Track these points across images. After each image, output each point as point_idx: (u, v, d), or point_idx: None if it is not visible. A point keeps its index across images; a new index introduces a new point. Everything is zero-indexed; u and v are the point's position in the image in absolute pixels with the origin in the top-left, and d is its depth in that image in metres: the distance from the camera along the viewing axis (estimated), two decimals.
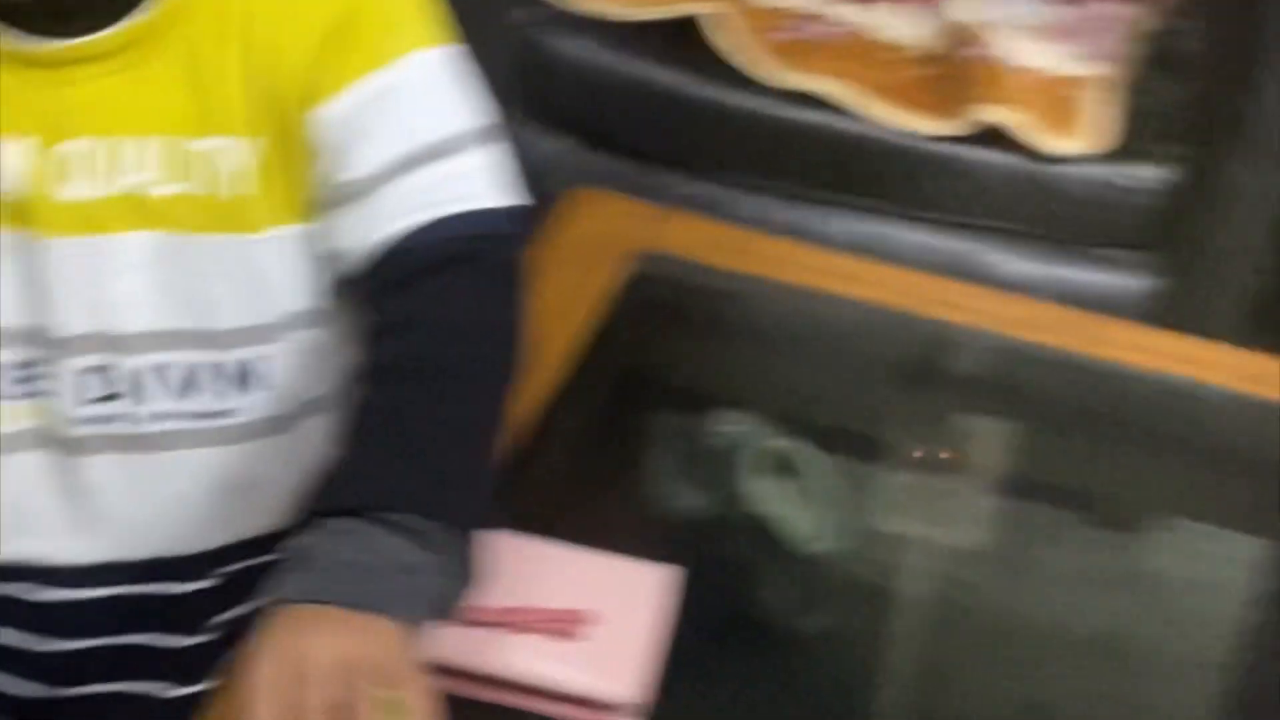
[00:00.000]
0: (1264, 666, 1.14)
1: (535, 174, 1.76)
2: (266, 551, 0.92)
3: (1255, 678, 1.13)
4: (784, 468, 1.18)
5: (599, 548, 0.92)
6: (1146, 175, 1.65)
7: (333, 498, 0.78)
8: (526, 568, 0.88)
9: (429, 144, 0.87)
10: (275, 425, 0.92)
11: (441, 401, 0.82)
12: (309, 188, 0.87)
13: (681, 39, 1.74)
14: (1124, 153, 1.67)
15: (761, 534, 1.12)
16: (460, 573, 0.78)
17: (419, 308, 0.85)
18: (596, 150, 1.79)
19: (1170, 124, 1.69)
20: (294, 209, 0.87)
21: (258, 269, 0.87)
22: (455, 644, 0.82)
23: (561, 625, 0.84)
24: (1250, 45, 1.60)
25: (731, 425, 1.23)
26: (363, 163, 0.86)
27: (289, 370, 0.91)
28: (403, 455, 0.79)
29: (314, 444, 0.92)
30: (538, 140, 1.80)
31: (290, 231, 0.87)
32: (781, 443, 1.18)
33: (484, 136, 0.90)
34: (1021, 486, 1.25)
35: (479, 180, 0.89)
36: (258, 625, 0.74)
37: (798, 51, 1.74)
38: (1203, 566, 1.23)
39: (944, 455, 1.27)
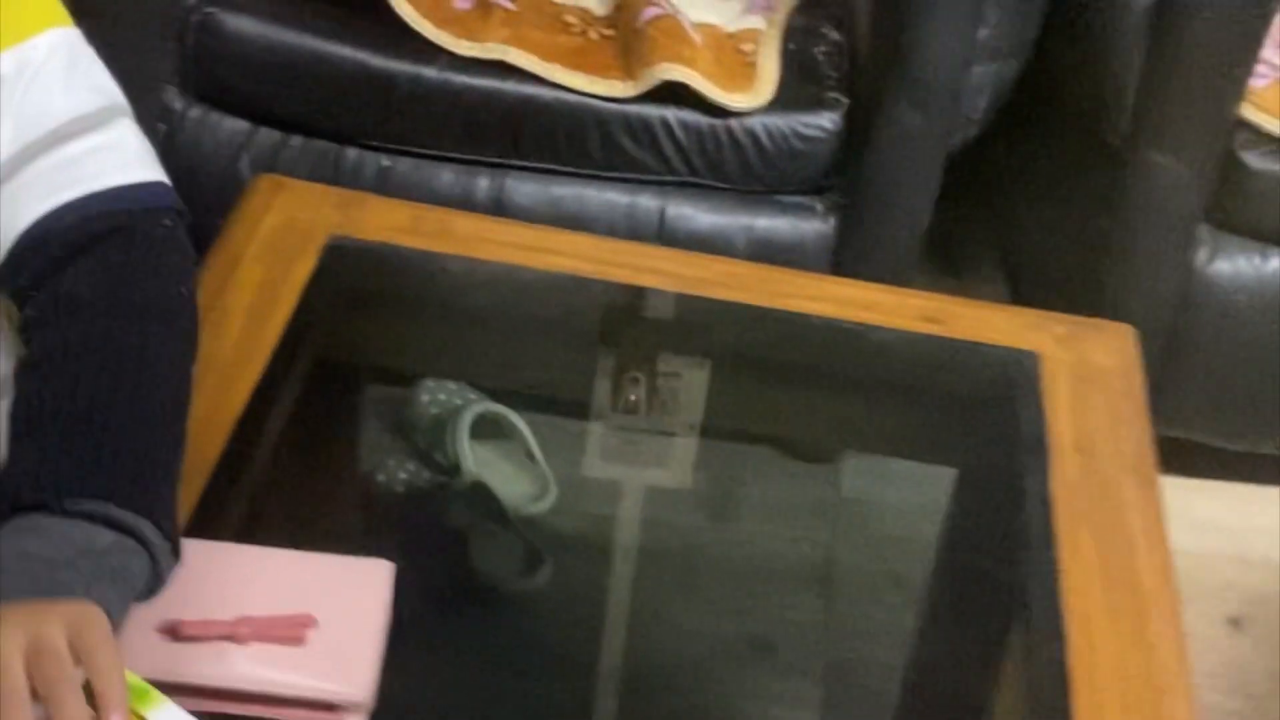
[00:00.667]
0: (953, 576, 1.22)
1: (220, 156, 1.75)
2: None
3: (947, 587, 1.22)
4: (497, 432, 1.20)
5: (323, 542, 0.92)
6: (817, 121, 1.72)
7: (9, 496, 0.76)
8: (247, 576, 0.88)
9: (57, 126, 0.85)
10: None
11: (103, 380, 0.80)
12: None
13: (359, 12, 1.72)
14: (795, 101, 1.73)
15: (483, 499, 1.15)
16: (155, 549, 0.78)
17: (67, 291, 0.83)
18: (283, 131, 1.76)
19: (837, 70, 1.76)
20: None
21: None
22: (187, 660, 0.83)
23: (288, 631, 0.84)
24: None
25: (442, 395, 1.24)
26: (11, 141, 0.83)
27: None
28: (72, 441, 0.78)
29: None
30: (219, 123, 1.77)
31: None
32: (493, 407, 1.21)
33: (113, 115, 0.89)
34: (721, 432, 1.31)
35: (111, 158, 0.88)
36: None
37: (478, 19, 1.74)
38: (891, 492, 1.30)
39: (648, 408, 1.31)
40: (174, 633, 0.84)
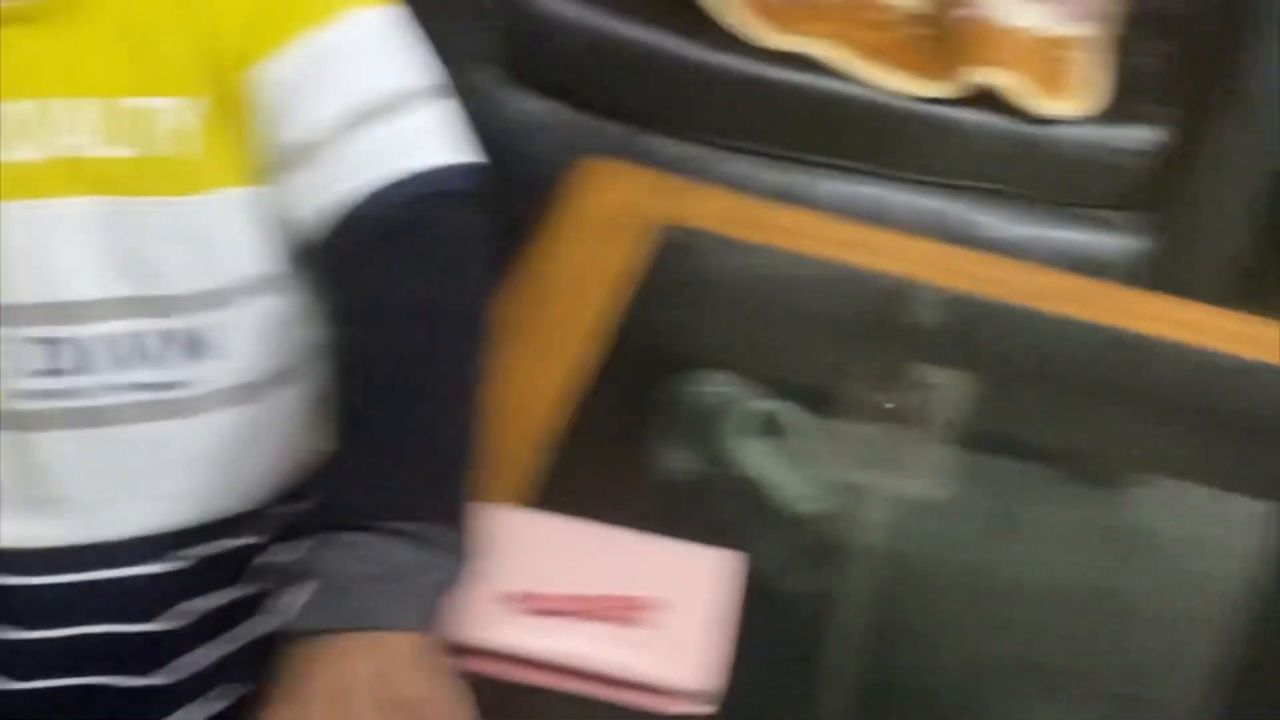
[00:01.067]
0: (1251, 620, 1.16)
1: (522, 135, 1.77)
2: (235, 534, 0.91)
3: (1243, 631, 1.16)
4: (775, 430, 1.19)
5: (614, 521, 0.92)
6: (1136, 136, 1.66)
7: (329, 511, 0.78)
8: (593, 553, 0.88)
9: (374, 102, 0.85)
10: (237, 397, 0.88)
11: (417, 395, 0.81)
12: (255, 148, 0.85)
13: (673, 0, 1.73)
14: (1114, 114, 1.67)
15: (754, 495, 1.13)
16: (459, 563, 0.78)
17: (382, 287, 0.84)
18: (584, 112, 1.77)
19: (1159, 84, 1.70)
20: (240, 170, 0.85)
21: (205, 232, 0.85)
22: (533, 632, 0.83)
23: (628, 612, 0.84)
24: (1234, 4, 1.61)
25: (718, 387, 1.24)
26: (307, 124, 0.84)
27: (247, 339, 0.87)
28: (390, 460, 0.79)
29: (283, 419, 0.91)
30: (524, 102, 1.79)
31: (237, 194, 0.85)
32: (770, 403, 1.19)
33: (430, 94, 0.89)
34: (1011, 445, 1.27)
35: (429, 137, 0.88)
36: (281, 658, 0.74)
37: (789, 12, 1.73)
38: (1190, 523, 1.24)
39: (936, 417, 1.28)
40: (521, 603, 0.84)
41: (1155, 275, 1.68)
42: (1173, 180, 1.66)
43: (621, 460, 1.20)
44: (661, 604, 0.85)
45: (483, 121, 1.78)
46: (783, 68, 1.70)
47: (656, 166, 1.70)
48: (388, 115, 0.85)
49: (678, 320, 1.27)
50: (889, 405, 1.31)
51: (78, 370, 0.84)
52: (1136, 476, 1.30)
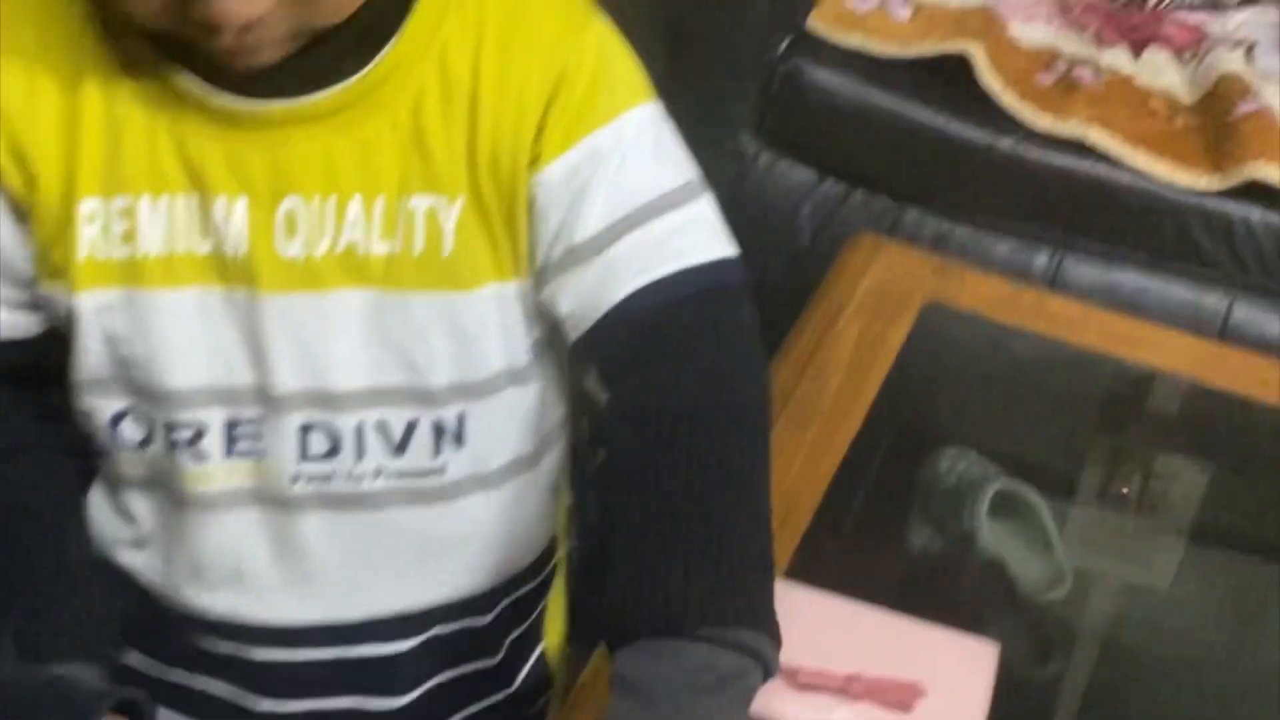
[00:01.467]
0: None
1: (787, 204, 1.79)
2: (475, 612, 0.95)
3: None
4: (1016, 512, 1.18)
5: (883, 601, 0.93)
6: None
7: (630, 621, 0.77)
8: (860, 633, 0.90)
9: (648, 202, 0.85)
10: (483, 483, 0.91)
11: (710, 499, 0.80)
12: (524, 246, 0.86)
13: (940, 76, 1.74)
14: None
15: (999, 576, 1.13)
16: (770, 662, 0.78)
17: (647, 397, 0.83)
18: (850, 185, 1.80)
19: None
20: (506, 266, 0.86)
21: (469, 326, 0.86)
22: (799, 707, 0.85)
23: (898, 697, 0.85)
24: None
25: (961, 464, 1.23)
26: (586, 224, 0.85)
27: (497, 428, 0.90)
28: (682, 562, 0.77)
29: (522, 502, 0.94)
30: (791, 171, 1.81)
31: (502, 289, 0.87)
32: (1015, 485, 1.18)
33: (692, 190, 0.88)
34: (1248, 543, 1.24)
35: (698, 234, 0.86)
36: None
37: (1062, 95, 1.73)
38: None
39: (1180, 511, 1.26)
40: (790, 678, 0.86)
41: None
42: None
43: (873, 536, 1.21)
44: (925, 689, 0.86)
45: (749, 188, 1.83)
46: (1052, 150, 1.70)
47: (921, 243, 1.72)
48: (654, 217, 0.85)
49: (934, 399, 1.28)
50: (1127, 492, 1.29)
51: (342, 456, 0.87)
52: None
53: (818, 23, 1.79)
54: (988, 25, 1.77)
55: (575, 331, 0.86)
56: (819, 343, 1.19)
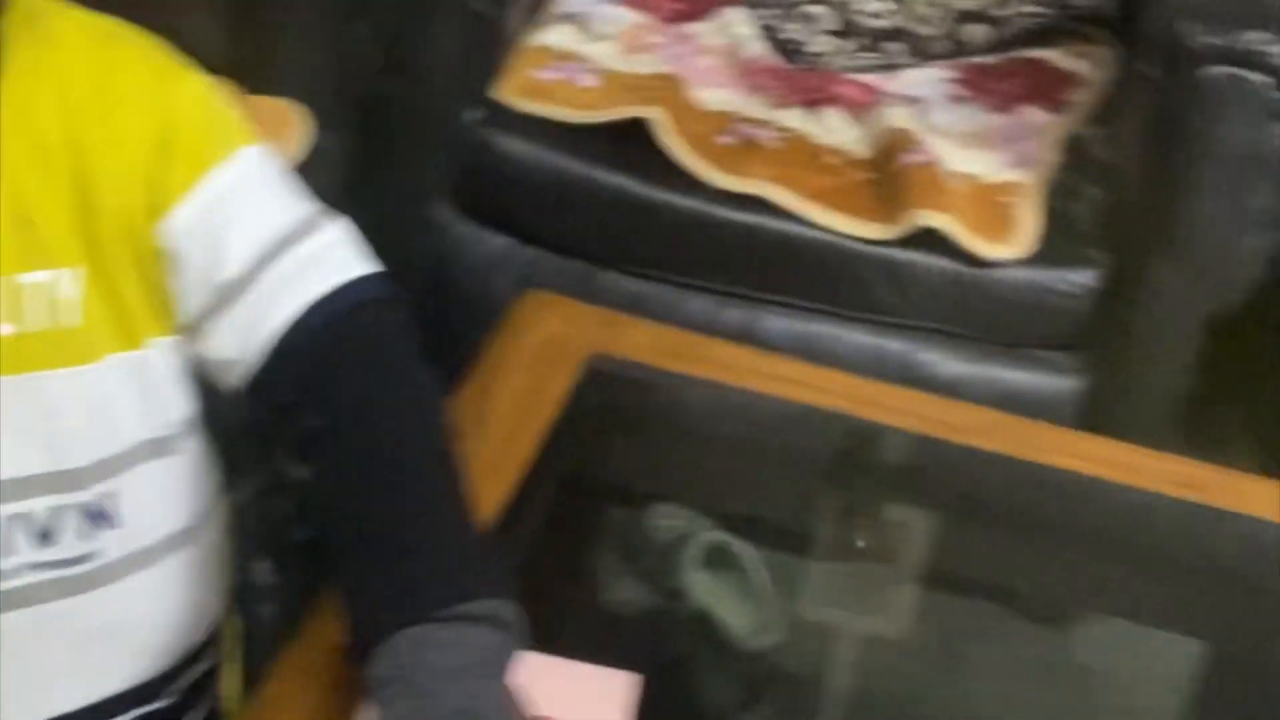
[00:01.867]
0: None
1: (481, 272, 1.81)
2: (153, 698, 0.93)
3: None
4: (724, 562, 1.20)
5: (560, 651, 0.93)
6: (1073, 279, 1.70)
7: (377, 620, 0.79)
8: None
9: (287, 230, 0.86)
10: (141, 562, 0.89)
11: (423, 482, 0.83)
12: (165, 302, 0.86)
13: (627, 141, 1.78)
14: (1052, 256, 1.72)
15: (707, 629, 1.14)
16: (515, 625, 0.81)
17: (345, 400, 0.85)
18: (543, 249, 1.82)
19: (1094, 228, 1.74)
20: (142, 329, 0.86)
21: (103, 399, 0.85)
22: None
23: None
24: (1166, 150, 1.65)
25: (671, 520, 1.25)
26: (230, 262, 0.85)
27: (150, 503, 0.88)
28: (416, 552, 0.81)
29: (186, 577, 0.92)
30: (484, 239, 1.83)
31: (140, 355, 0.86)
32: (721, 536, 1.21)
33: (326, 216, 0.90)
34: (953, 582, 1.29)
35: (342, 253, 0.89)
36: None
37: (742, 155, 1.78)
38: (1129, 662, 1.26)
39: (878, 552, 1.30)
40: None
41: (1094, 414, 1.71)
42: (1110, 322, 1.70)
43: (560, 592, 1.22)
44: None
45: (443, 257, 1.84)
46: (735, 209, 1.75)
47: (616, 304, 1.75)
48: (295, 243, 0.86)
49: (600, 450, 1.30)
50: (832, 539, 1.33)
51: None
52: (1075, 613, 1.32)
53: (506, 92, 1.82)
54: (671, 91, 1.83)
55: (243, 371, 0.86)
56: (479, 402, 1.19)
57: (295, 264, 0.86)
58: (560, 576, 1.23)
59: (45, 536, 0.85)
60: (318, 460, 0.85)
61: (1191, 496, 1.23)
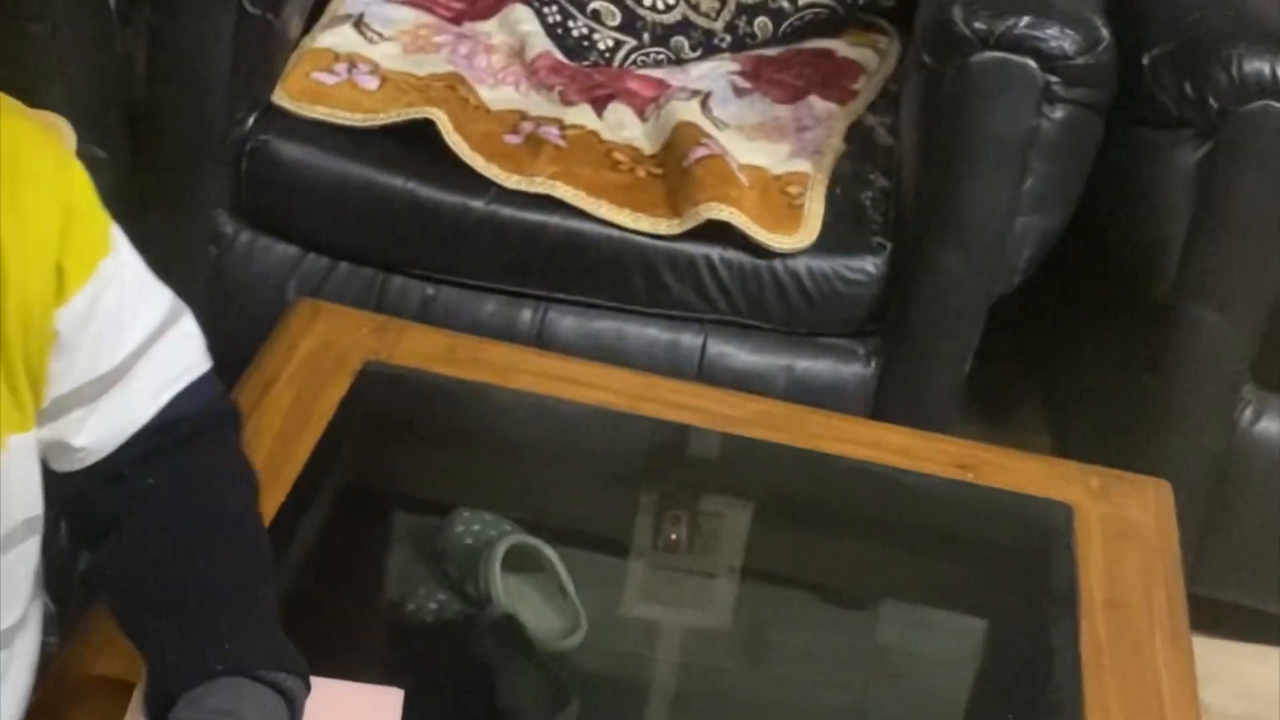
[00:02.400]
0: None
1: (270, 282, 1.77)
2: None
3: None
4: (530, 565, 1.19)
5: (348, 670, 0.93)
6: (862, 265, 1.72)
7: (197, 671, 0.85)
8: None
9: (159, 322, 0.92)
10: None
11: (228, 554, 0.90)
12: (41, 390, 0.86)
13: (412, 144, 1.75)
14: (841, 244, 1.73)
15: (513, 632, 1.13)
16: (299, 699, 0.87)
17: (179, 474, 0.91)
18: (331, 258, 1.78)
19: (880, 216, 1.76)
20: (28, 414, 0.86)
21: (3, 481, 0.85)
22: None
23: None
24: (941, 135, 1.68)
25: (476, 526, 1.24)
26: (115, 352, 0.89)
27: (16, 583, 0.89)
28: (230, 615, 0.87)
29: (21, 666, 0.91)
30: (269, 248, 1.79)
31: (25, 438, 0.86)
32: (527, 539, 1.20)
33: (179, 309, 0.95)
34: (750, 573, 1.30)
35: (196, 345, 0.95)
36: None
37: (529, 154, 1.77)
38: (923, 641, 1.28)
39: (678, 547, 1.30)
40: None
41: (884, 399, 1.73)
42: (895, 308, 1.72)
43: (350, 603, 1.20)
44: None
45: (230, 269, 1.79)
46: (523, 208, 1.74)
47: (407, 311, 1.73)
48: (162, 335, 0.91)
49: (375, 457, 1.28)
50: (633, 538, 1.32)
51: None
52: (865, 596, 1.34)
53: (283, 97, 1.78)
54: (454, 91, 1.80)
55: (92, 457, 0.89)
56: (252, 410, 1.17)
57: (164, 357, 0.91)
58: (344, 588, 1.21)
59: None
60: (141, 515, 0.89)
61: (964, 476, 1.25)
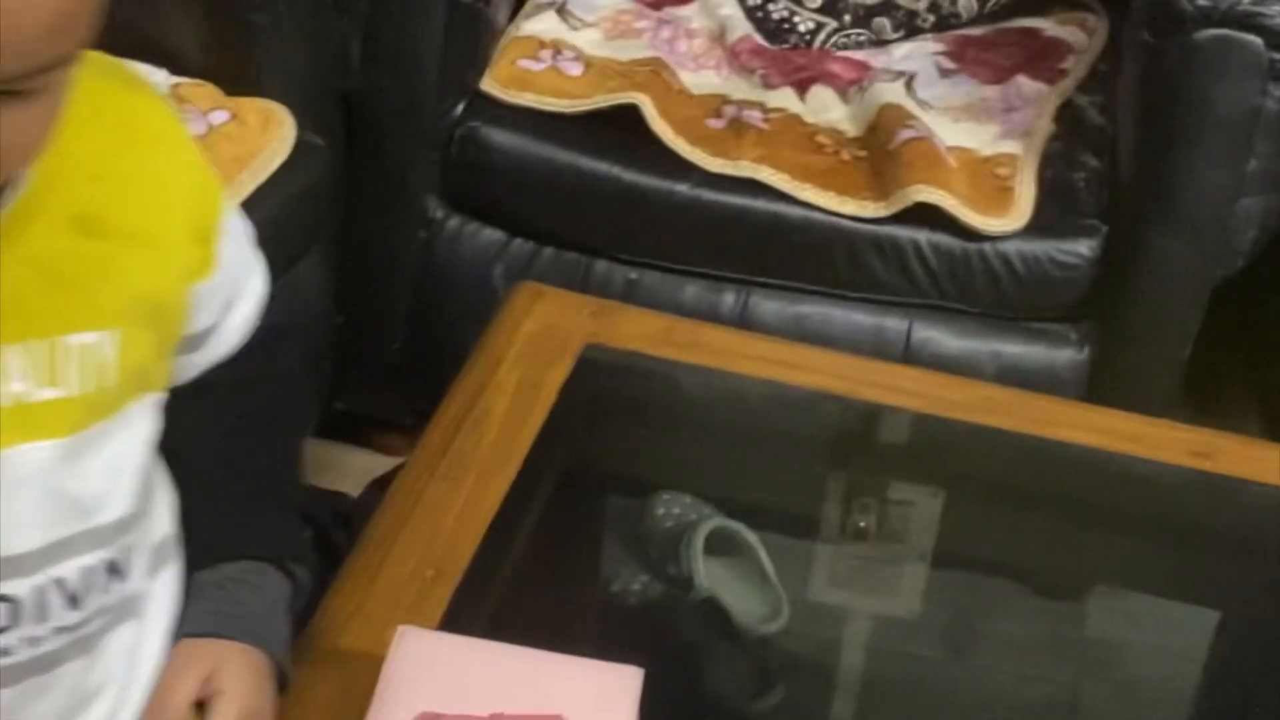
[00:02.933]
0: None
1: (479, 267, 1.79)
2: None
3: None
4: (729, 549, 1.19)
5: (566, 644, 0.93)
6: (1074, 248, 1.69)
7: (236, 548, 0.93)
8: (501, 673, 0.89)
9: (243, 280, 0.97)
10: (130, 612, 0.89)
11: (278, 450, 0.98)
12: (165, 358, 0.88)
13: (616, 129, 1.76)
14: (1051, 227, 1.70)
15: (716, 616, 1.13)
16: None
17: (244, 377, 0.96)
18: (536, 242, 1.80)
19: (1093, 198, 1.72)
20: (156, 379, 0.87)
21: (124, 452, 0.86)
22: None
23: None
24: (1161, 115, 1.64)
25: (675, 508, 1.24)
26: (209, 313, 0.93)
27: (147, 549, 0.90)
28: (266, 504, 0.95)
29: (157, 628, 0.92)
30: (476, 233, 1.81)
31: (142, 406, 0.87)
32: (729, 523, 1.19)
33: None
34: (962, 561, 1.27)
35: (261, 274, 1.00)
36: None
37: (732, 138, 1.76)
38: (1142, 634, 1.25)
39: (888, 533, 1.28)
40: None
41: (1099, 385, 1.69)
42: (1111, 291, 1.68)
43: (571, 582, 1.21)
44: (568, 719, 0.86)
45: (439, 253, 1.82)
46: (726, 192, 1.73)
47: (611, 294, 1.74)
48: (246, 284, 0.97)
49: (599, 440, 1.28)
50: (840, 523, 1.31)
51: (20, 624, 0.82)
52: (1086, 587, 1.31)
53: (492, 84, 1.80)
54: (658, 76, 1.81)
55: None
56: (477, 395, 1.18)
57: (245, 309, 0.97)
58: (565, 568, 1.22)
59: (74, 600, 0.84)
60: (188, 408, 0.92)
61: (1200, 465, 1.22)
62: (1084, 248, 1.68)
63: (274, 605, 0.92)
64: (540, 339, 1.25)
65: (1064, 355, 1.71)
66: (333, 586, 1.00)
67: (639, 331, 1.29)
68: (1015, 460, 1.28)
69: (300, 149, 1.59)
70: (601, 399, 1.28)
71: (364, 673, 0.89)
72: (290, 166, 1.58)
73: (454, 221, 1.81)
